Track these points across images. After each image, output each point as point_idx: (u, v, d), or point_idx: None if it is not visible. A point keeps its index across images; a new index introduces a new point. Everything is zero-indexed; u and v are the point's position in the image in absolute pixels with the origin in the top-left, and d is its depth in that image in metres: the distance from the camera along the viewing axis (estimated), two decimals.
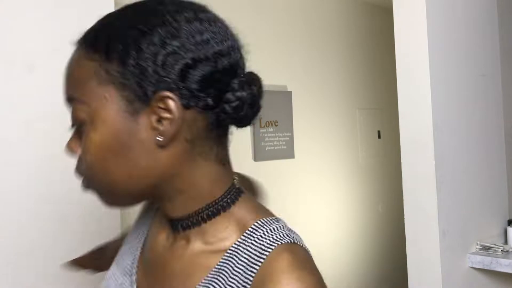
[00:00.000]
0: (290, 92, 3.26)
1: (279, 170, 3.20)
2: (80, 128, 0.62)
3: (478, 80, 2.13)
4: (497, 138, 2.22)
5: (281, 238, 0.62)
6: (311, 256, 0.62)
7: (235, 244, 0.63)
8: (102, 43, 0.60)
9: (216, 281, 0.62)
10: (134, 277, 0.72)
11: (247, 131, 3.10)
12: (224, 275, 0.62)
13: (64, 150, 0.65)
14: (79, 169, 0.65)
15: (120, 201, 0.67)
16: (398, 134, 1.99)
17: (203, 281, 0.63)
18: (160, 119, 0.59)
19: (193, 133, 0.61)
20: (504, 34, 2.29)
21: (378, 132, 4.01)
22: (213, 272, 0.63)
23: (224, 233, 0.65)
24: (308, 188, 3.38)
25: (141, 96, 0.59)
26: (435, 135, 1.88)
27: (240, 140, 3.38)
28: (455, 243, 1.95)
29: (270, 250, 0.60)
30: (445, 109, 1.95)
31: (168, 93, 0.58)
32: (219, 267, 0.63)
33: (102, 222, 1.75)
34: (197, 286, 0.63)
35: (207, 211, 0.65)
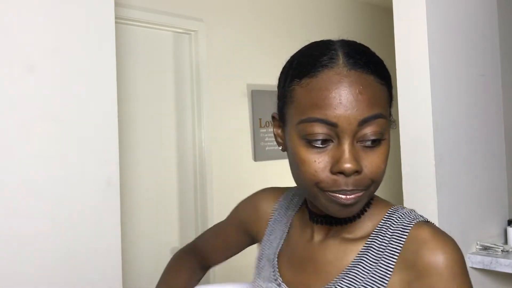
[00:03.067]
0: None
1: (279, 170, 3.20)
2: (375, 143, 0.73)
3: (478, 80, 2.13)
4: (497, 138, 2.22)
5: (416, 218, 0.78)
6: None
7: (377, 228, 0.79)
8: (387, 73, 0.77)
9: (365, 258, 0.77)
10: (279, 280, 0.85)
11: (247, 131, 3.11)
12: (370, 252, 0.77)
13: (351, 169, 0.71)
14: (362, 183, 0.73)
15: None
16: (398, 134, 1.99)
17: (355, 259, 0.78)
18: None
19: None
20: (504, 34, 2.29)
21: None
22: (360, 253, 0.78)
23: (364, 223, 0.81)
24: None
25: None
26: (435, 135, 1.88)
27: (240, 141, 3.39)
28: None
29: (410, 227, 0.76)
30: (445, 109, 1.95)
31: None
32: (365, 247, 0.78)
33: (102, 222, 1.75)
34: (351, 263, 0.78)
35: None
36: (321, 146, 0.72)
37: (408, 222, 0.77)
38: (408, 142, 1.96)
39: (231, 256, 1.10)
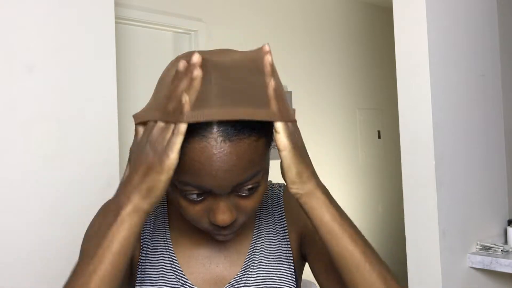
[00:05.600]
0: (290, 92, 3.26)
1: (279, 170, 3.19)
2: (251, 190, 0.73)
3: (478, 80, 2.13)
4: (497, 138, 2.22)
5: (279, 185, 0.93)
6: None
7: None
8: (263, 131, 0.72)
9: (262, 230, 0.89)
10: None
11: None
12: (263, 224, 0.89)
13: (225, 222, 0.72)
14: (234, 226, 0.76)
15: None
16: (398, 134, 1.99)
17: (253, 233, 0.88)
18: None
19: None
20: (504, 34, 2.29)
21: (378, 132, 4.01)
22: (256, 229, 0.89)
23: None
24: None
25: None
26: (435, 135, 1.88)
27: None
28: (455, 243, 1.95)
29: (282, 191, 0.92)
30: (445, 109, 1.95)
31: None
32: (257, 221, 0.89)
33: None
34: (252, 238, 0.88)
35: None
36: (197, 199, 0.71)
37: (278, 190, 0.92)
38: (408, 142, 1.96)
39: None
